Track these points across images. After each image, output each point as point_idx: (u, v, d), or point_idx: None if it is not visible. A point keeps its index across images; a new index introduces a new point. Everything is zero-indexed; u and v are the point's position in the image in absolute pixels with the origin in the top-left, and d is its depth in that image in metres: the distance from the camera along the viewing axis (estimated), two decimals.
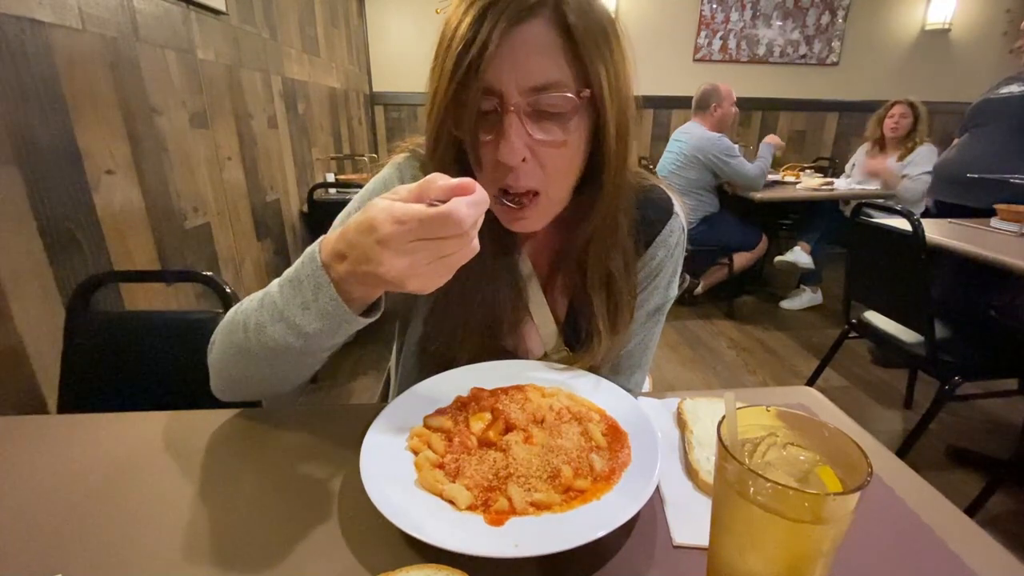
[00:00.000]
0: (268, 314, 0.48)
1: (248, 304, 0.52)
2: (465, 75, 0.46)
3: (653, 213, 0.66)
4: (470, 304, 0.61)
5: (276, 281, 0.50)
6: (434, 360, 0.64)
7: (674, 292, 0.70)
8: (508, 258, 0.64)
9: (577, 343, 0.65)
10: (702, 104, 2.76)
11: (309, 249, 0.47)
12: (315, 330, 0.47)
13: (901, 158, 2.80)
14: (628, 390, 0.67)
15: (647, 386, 0.96)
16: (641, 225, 0.64)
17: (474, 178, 0.42)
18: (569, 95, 0.49)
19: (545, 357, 0.68)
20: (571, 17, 0.48)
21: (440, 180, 0.41)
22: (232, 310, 0.54)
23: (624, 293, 0.63)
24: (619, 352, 0.68)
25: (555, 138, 0.51)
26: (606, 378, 0.66)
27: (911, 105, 2.76)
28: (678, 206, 0.68)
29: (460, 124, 0.50)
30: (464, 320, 0.62)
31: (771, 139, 2.84)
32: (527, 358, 0.67)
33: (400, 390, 0.72)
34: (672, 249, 0.67)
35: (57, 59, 0.96)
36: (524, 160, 0.51)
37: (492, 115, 0.50)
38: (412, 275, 0.41)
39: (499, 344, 0.65)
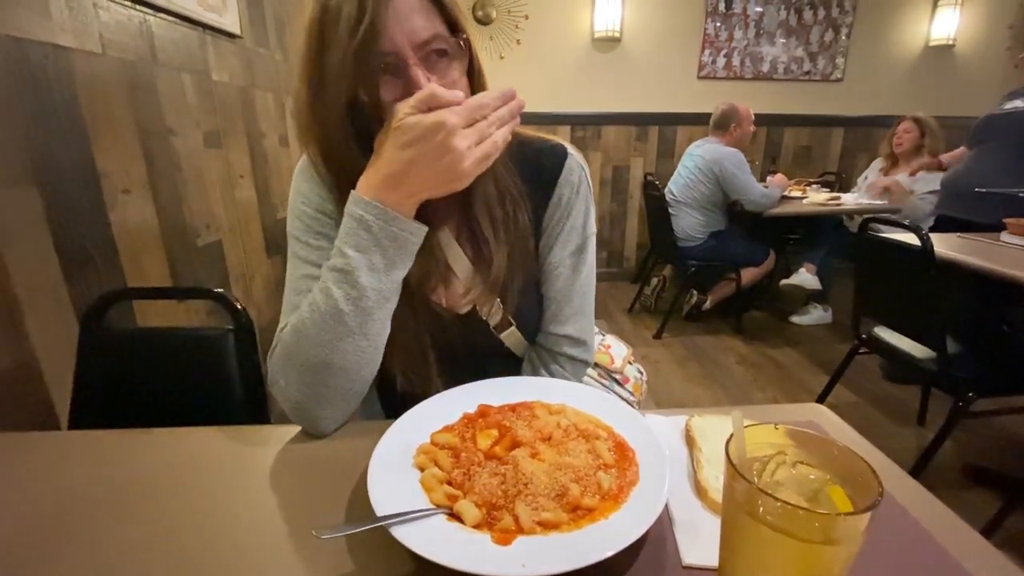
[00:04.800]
0: (341, 281, 0.55)
1: (310, 308, 0.57)
2: (363, 45, 0.54)
3: (547, 160, 0.72)
4: None
5: (328, 266, 0.57)
6: None
7: (592, 230, 0.75)
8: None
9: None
10: (721, 124, 2.81)
11: (354, 209, 0.55)
12: (392, 259, 0.55)
13: (912, 173, 2.83)
14: (576, 339, 0.75)
15: (645, 393, 0.98)
16: (539, 174, 0.71)
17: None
18: (449, 41, 0.58)
19: (474, 308, 0.71)
20: None
21: (441, 90, 0.52)
22: (289, 332, 0.59)
23: (508, 233, 0.69)
24: (551, 295, 0.74)
25: (449, 79, 0.59)
26: (551, 330, 0.75)
27: (916, 121, 2.81)
28: (571, 148, 0.74)
29: (366, 86, 0.57)
30: None
31: (779, 182, 2.88)
32: (453, 309, 0.71)
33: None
34: (576, 186, 0.72)
35: (78, 82, 0.99)
36: None
37: (390, 76, 0.57)
38: (472, 155, 0.52)
39: (425, 298, 0.69)
